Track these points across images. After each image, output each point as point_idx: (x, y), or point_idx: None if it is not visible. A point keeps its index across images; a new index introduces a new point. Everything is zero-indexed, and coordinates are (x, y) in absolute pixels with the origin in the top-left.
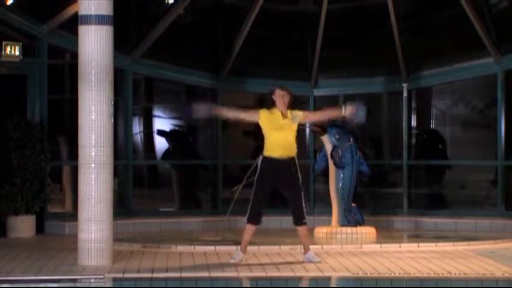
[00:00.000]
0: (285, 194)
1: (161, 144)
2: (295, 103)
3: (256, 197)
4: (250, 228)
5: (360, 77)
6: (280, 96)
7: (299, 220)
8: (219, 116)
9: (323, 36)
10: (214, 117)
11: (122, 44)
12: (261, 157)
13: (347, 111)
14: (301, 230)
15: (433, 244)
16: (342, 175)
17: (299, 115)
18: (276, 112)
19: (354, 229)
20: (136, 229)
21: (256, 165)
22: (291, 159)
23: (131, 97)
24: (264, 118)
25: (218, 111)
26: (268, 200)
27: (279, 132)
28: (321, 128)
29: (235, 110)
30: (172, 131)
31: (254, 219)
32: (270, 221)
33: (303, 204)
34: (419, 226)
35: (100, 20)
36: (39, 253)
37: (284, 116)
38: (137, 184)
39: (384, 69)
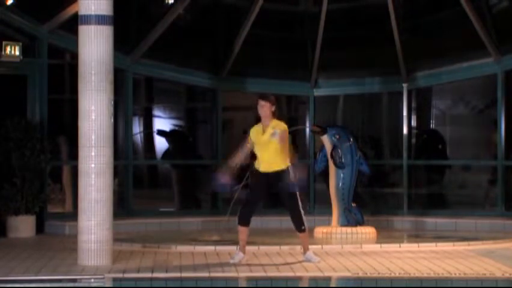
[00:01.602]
0: (281, 201)
1: (161, 144)
2: (295, 104)
3: (248, 200)
4: (241, 229)
5: (361, 77)
6: (261, 107)
7: (298, 227)
8: (235, 167)
9: (323, 36)
10: (234, 186)
11: (122, 44)
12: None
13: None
14: (302, 236)
15: (433, 244)
16: (342, 175)
17: (280, 130)
18: (259, 127)
19: (354, 229)
20: (136, 229)
21: (251, 167)
22: (278, 172)
23: (131, 97)
24: (252, 134)
25: (231, 165)
26: (261, 202)
27: (259, 148)
28: (321, 128)
29: (240, 151)
30: (172, 131)
31: (242, 221)
32: (270, 221)
33: (301, 212)
34: (419, 226)
35: (100, 20)
36: (39, 253)
37: (264, 131)
38: (137, 184)
39: (384, 69)
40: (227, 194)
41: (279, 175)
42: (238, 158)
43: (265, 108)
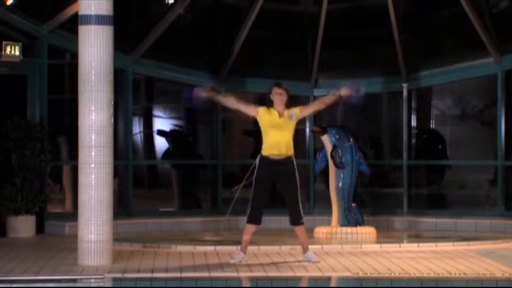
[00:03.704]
0: (282, 193)
1: (161, 144)
2: (295, 104)
3: (256, 196)
4: (249, 228)
5: (360, 77)
6: (278, 94)
7: (296, 220)
8: (217, 100)
9: (322, 36)
10: (212, 100)
11: (122, 44)
12: (259, 156)
13: (343, 91)
14: (299, 229)
15: (433, 244)
16: (342, 175)
17: (295, 112)
18: (273, 111)
19: (354, 229)
20: (136, 229)
21: (255, 165)
22: (289, 158)
23: (131, 97)
24: (262, 115)
25: (217, 96)
26: (268, 199)
27: (276, 131)
28: (321, 128)
29: (235, 100)
30: (172, 131)
31: (255, 219)
32: (270, 221)
33: (300, 205)
34: (419, 226)
35: (100, 20)
36: (39, 253)
37: (281, 114)
38: (137, 184)
39: (384, 69)
40: (227, 193)
41: (288, 162)
42: (230, 101)
43: (282, 96)
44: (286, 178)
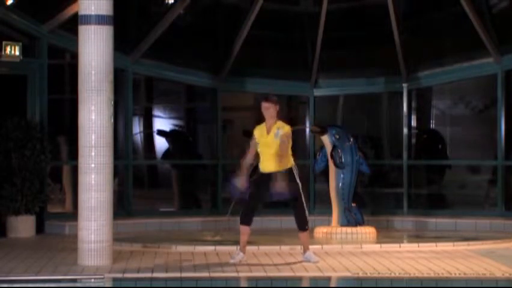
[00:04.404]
0: (286, 200)
1: (161, 144)
2: (295, 104)
3: (249, 201)
4: (243, 229)
5: (360, 77)
6: (265, 109)
7: (302, 226)
8: (248, 169)
9: (322, 36)
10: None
11: (122, 44)
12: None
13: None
14: (303, 235)
15: (433, 244)
16: (342, 175)
17: (284, 130)
18: (263, 128)
19: (354, 229)
20: (136, 229)
21: (257, 166)
22: (285, 171)
23: (131, 97)
24: (258, 136)
25: (246, 169)
26: (264, 200)
27: (265, 148)
28: (321, 128)
29: (248, 154)
30: (172, 131)
31: (244, 221)
32: (270, 221)
33: (306, 211)
34: (419, 226)
35: (100, 20)
36: (39, 253)
37: (268, 131)
38: (137, 184)
39: (384, 69)
40: (227, 193)
41: (282, 175)
42: (250, 158)
43: (270, 109)
44: (286, 187)
